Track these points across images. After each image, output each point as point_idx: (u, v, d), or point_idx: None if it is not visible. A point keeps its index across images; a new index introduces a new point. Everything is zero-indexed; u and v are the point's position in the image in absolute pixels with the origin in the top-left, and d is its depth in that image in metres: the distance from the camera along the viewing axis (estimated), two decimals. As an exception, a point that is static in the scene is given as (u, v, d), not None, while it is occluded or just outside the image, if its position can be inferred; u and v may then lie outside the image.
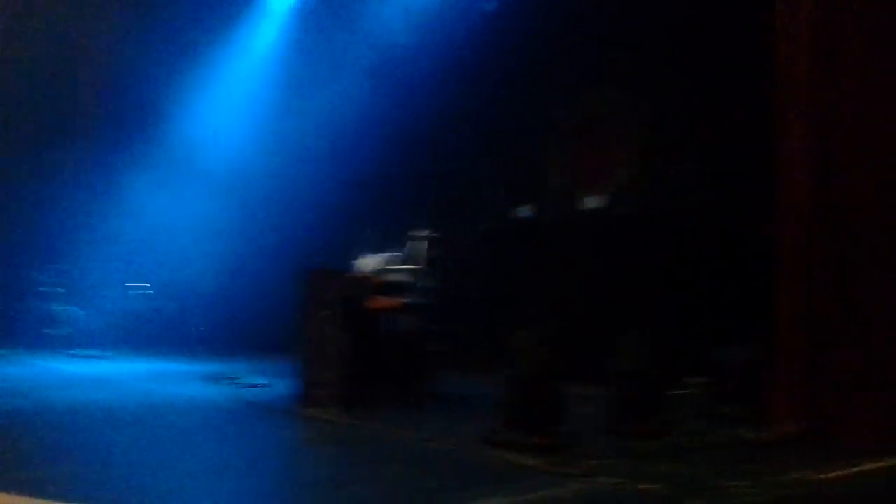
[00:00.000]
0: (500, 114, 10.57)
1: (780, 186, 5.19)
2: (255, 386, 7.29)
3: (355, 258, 8.19)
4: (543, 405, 4.44)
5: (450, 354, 7.34)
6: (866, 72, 4.83)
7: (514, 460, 4.04)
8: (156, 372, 8.89)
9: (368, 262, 8.04)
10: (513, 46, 10.43)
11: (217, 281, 12.76)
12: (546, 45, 10.22)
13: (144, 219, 12.97)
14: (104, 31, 13.87)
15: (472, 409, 6.19)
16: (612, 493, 3.52)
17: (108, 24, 13.90)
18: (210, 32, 13.39)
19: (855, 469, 3.90)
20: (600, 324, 7.52)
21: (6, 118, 13.13)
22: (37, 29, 13.30)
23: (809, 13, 5.09)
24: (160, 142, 13.21)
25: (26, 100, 13.21)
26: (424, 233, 8.71)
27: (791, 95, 5.17)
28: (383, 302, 6.49)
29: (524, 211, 9.55)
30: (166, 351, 11.48)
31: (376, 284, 6.69)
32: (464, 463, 4.14)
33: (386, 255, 8.17)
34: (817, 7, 5.06)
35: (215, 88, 13.42)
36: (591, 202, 9.07)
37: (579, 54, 10.04)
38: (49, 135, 13.59)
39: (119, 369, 9.03)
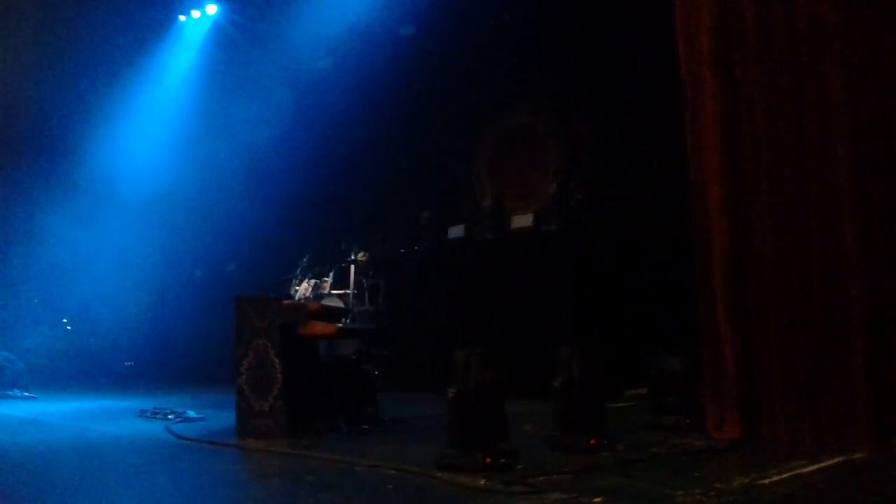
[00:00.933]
0: (427, 134, 10.69)
1: (696, 197, 5.41)
2: (190, 419, 7.09)
3: (288, 284, 8.11)
4: (487, 424, 4.46)
5: (390, 377, 7.33)
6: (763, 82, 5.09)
7: (464, 481, 4.04)
8: (85, 410, 8.54)
9: (302, 288, 7.97)
10: (436, 66, 10.57)
11: (145, 314, 12.42)
12: (471, 65, 10.40)
13: (64, 253, 12.53)
14: (19, 61, 13.45)
15: (417, 432, 6.17)
16: (562, 509, 3.57)
17: (23, 55, 13.49)
18: (127, 58, 13.10)
19: (796, 471, 4.06)
20: (539, 339, 7.63)
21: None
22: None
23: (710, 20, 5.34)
24: (78, 173, 12.83)
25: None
26: (356, 256, 8.70)
27: (700, 106, 5.40)
28: (319, 328, 6.40)
29: (455, 231, 9.62)
30: (95, 388, 11.06)
31: (311, 310, 6.60)
32: (413, 487, 4.13)
33: (319, 280, 8.12)
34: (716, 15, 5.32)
35: (134, 116, 13.11)
36: (519, 220, 9.21)
37: (504, 73, 10.26)
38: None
39: (46, 409, 8.64)
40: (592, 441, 4.77)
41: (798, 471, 4.08)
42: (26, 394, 10.18)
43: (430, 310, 9.29)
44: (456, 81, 10.49)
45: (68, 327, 12.68)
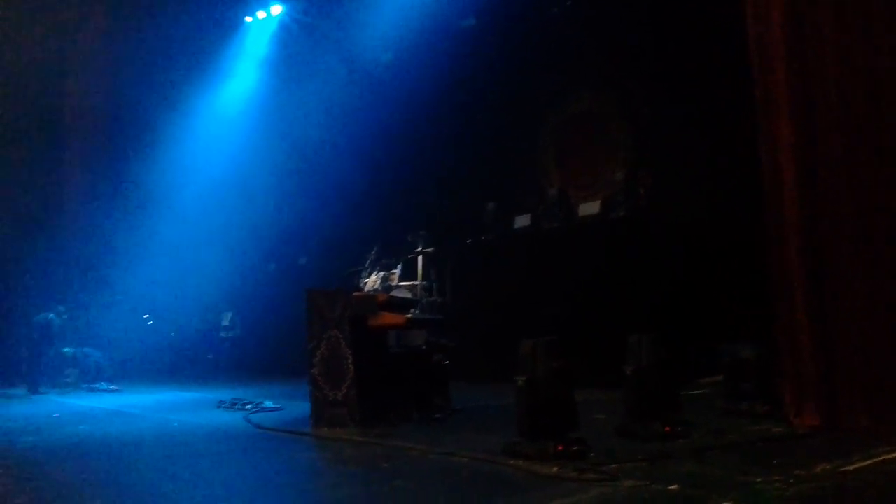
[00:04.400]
0: (491, 124, 10.67)
1: (768, 183, 5.26)
2: (267, 409, 7.30)
3: (358, 277, 8.24)
4: (557, 412, 4.46)
5: (458, 367, 7.38)
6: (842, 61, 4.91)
7: (535, 469, 4.06)
8: (167, 402, 8.89)
9: (371, 280, 8.09)
10: (499, 56, 10.55)
11: (222, 308, 12.81)
12: (533, 53, 10.34)
13: (144, 251, 13.01)
14: (93, 64, 13.98)
15: (487, 421, 6.21)
16: (636, 496, 3.54)
17: (95, 58, 14.02)
18: (195, 61, 13.48)
19: (880, 458, 3.94)
20: (608, 327, 7.56)
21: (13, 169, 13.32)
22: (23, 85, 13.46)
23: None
24: (153, 172, 13.28)
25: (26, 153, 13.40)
26: (423, 248, 8.79)
27: (771, 87, 5.24)
28: (389, 319, 6.48)
29: (521, 220, 9.61)
30: (177, 380, 11.49)
31: (380, 302, 6.69)
32: (485, 475, 4.15)
33: (387, 272, 8.23)
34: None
35: (204, 116, 13.49)
36: (586, 208, 9.14)
37: (567, 61, 10.16)
38: (50, 184, 13.71)
39: (130, 401, 9.03)
40: (667, 428, 4.72)
41: (882, 457, 3.96)
42: (111, 387, 10.65)
43: (496, 300, 9.31)
44: (519, 71, 10.45)
45: (149, 322, 13.18)
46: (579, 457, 4.21)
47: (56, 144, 14.36)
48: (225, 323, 12.72)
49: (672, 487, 3.57)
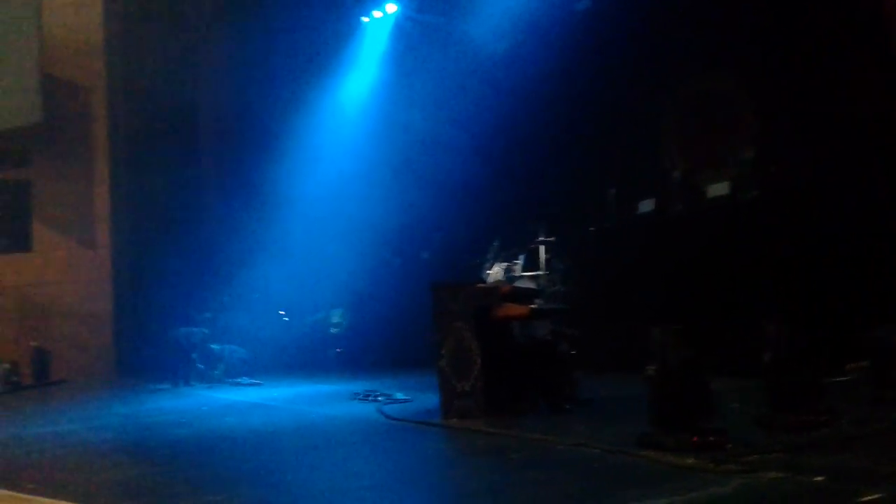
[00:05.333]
0: (610, 107, 10.45)
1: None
2: (398, 401, 7.50)
3: (481, 268, 8.32)
4: (692, 402, 4.35)
5: (583, 356, 7.31)
6: None
7: (670, 460, 3.97)
8: (304, 394, 9.28)
9: (494, 272, 8.15)
10: (616, 37, 10.31)
11: (353, 303, 13.23)
12: (653, 31, 10.04)
13: (276, 249, 13.62)
14: (213, 66, 14.71)
15: (616, 411, 6.13)
16: (778, 488, 3.41)
17: (214, 60, 14.76)
18: (314, 62, 13.94)
19: None
20: (742, 313, 7.28)
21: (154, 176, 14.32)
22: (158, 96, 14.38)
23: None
24: (283, 179, 13.83)
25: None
26: (544, 237, 8.75)
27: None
28: (513, 309, 6.51)
29: (645, 205, 9.38)
30: (311, 373, 11.98)
31: (504, 293, 6.73)
32: (618, 465, 4.11)
33: (510, 263, 8.26)
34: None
35: (326, 118, 13.94)
36: (715, 189, 8.81)
37: (688, 37, 9.81)
38: (187, 188, 14.62)
39: (270, 394, 9.49)
40: (809, 418, 4.50)
41: None
42: (252, 381, 11.23)
43: (621, 288, 9.13)
44: (637, 51, 10.17)
45: (284, 319, 13.78)
46: (716, 447, 4.09)
47: (191, 149, 15.23)
48: (336, 319, 13.14)
49: (817, 479, 3.42)
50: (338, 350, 13.07)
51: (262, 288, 13.46)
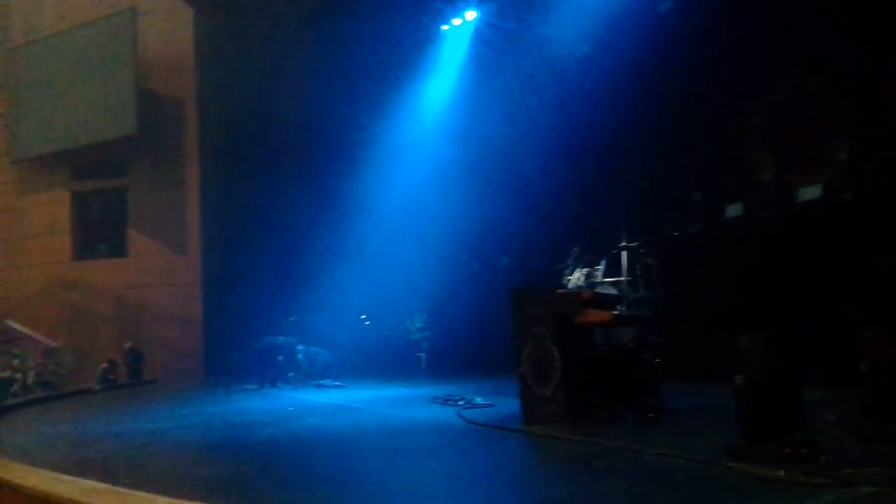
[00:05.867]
0: (695, 108, 10.20)
1: None
2: (478, 406, 7.49)
3: (561, 274, 8.23)
4: (783, 412, 4.21)
5: (668, 365, 7.15)
6: None
7: (759, 472, 3.84)
8: (385, 397, 9.40)
9: (574, 277, 8.05)
10: (700, 37, 10.07)
11: (432, 308, 13.32)
12: (740, 30, 9.76)
13: (357, 258, 13.84)
14: (297, 74, 15.08)
15: (702, 421, 5.97)
16: (874, 503, 3.26)
17: (299, 69, 15.12)
18: (393, 73, 14.12)
19: None
20: (836, 321, 6.99)
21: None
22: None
23: None
24: (363, 184, 14.06)
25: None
26: (626, 242, 8.60)
27: None
28: (594, 316, 6.41)
29: (732, 209, 9.12)
30: (392, 376, 12.12)
31: (585, 299, 6.64)
32: (705, 477, 4.00)
33: (591, 269, 8.15)
34: None
35: (405, 125, 14.09)
36: (807, 192, 8.49)
37: (777, 36, 9.50)
38: (273, 197, 15.05)
39: (354, 396, 9.64)
40: (909, 430, 4.29)
41: None
42: (336, 383, 11.44)
43: (707, 294, 8.90)
44: (723, 50, 9.90)
45: (366, 323, 13.99)
46: (808, 460, 3.94)
47: (275, 157, 15.64)
48: (418, 324, 13.21)
49: (919, 495, 3.25)
50: (419, 354, 13.18)
51: (344, 293, 13.70)
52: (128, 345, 15.19)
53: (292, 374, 12.13)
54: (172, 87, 16.68)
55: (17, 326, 16.71)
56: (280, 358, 12.09)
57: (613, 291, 7.86)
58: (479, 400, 7.71)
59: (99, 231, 17.65)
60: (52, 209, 17.65)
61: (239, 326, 13.75)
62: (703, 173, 10.02)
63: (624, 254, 8.65)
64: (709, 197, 9.46)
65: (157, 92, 16.65)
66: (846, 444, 4.33)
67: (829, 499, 3.32)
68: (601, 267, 8.36)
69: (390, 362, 13.28)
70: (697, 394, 7.19)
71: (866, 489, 3.39)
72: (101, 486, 4.19)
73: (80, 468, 4.94)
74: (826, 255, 7.70)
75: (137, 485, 4.28)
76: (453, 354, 12.69)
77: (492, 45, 13.11)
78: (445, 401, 7.96)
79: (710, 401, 6.53)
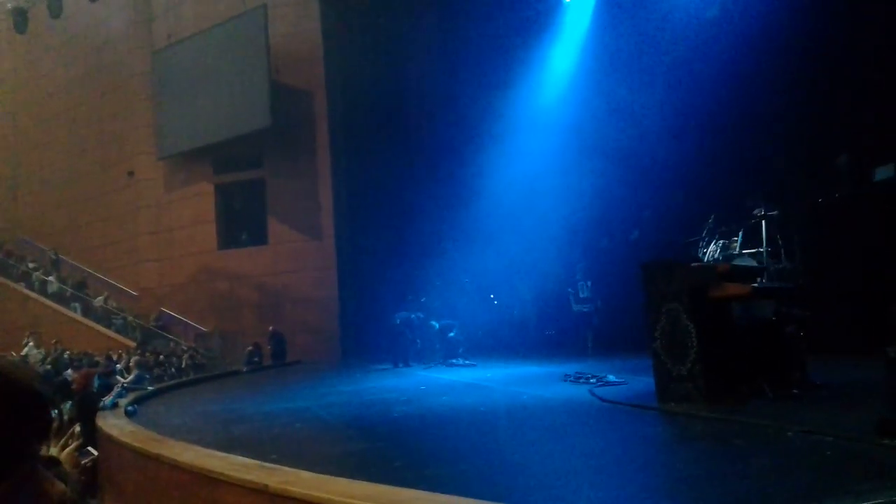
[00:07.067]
0: (838, 65, 9.53)
1: None
2: (611, 383, 7.39)
3: (695, 247, 7.94)
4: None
5: (813, 338, 6.76)
6: None
7: (915, 451, 3.59)
8: (515, 375, 9.42)
9: (710, 250, 7.75)
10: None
11: (560, 285, 13.20)
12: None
13: (485, 236, 13.91)
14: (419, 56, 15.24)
15: (850, 397, 5.63)
16: None
17: (420, 51, 15.28)
18: (516, 48, 14.01)
19: None
20: None
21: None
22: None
23: None
24: (489, 164, 14.08)
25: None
26: (765, 211, 8.18)
27: None
28: (731, 289, 6.14)
29: (883, 171, 8.48)
30: (521, 355, 12.13)
31: (721, 271, 6.37)
32: (854, 455, 3.77)
33: (727, 240, 7.81)
34: None
35: (529, 102, 13.96)
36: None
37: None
38: (398, 179, 15.39)
39: (485, 375, 9.74)
40: None
41: None
42: (467, 361, 11.58)
43: (855, 263, 8.34)
44: (866, 3, 9.19)
45: (495, 302, 14.06)
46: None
47: (401, 142, 15.93)
48: (584, 294, 12.88)
49: None
50: (549, 332, 13.12)
51: (474, 272, 13.81)
52: (270, 328, 15.97)
53: (422, 348, 12.35)
54: (302, 79, 17.28)
55: (171, 313, 17.96)
56: (412, 336, 12.35)
57: (752, 263, 7.51)
58: (611, 378, 7.60)
59: (241, 221, 18.60)
60: (197, 202, 18.73)
61: (372, 308, 14.18)
62: (849, 134, 9.36)
63: (763, 223, 8.25)
64: (855, 159, 8.83)
65: (288, 84, 17.29)
66: None
67: None
68: (738, 238, 8.00)
69: (520, 340, 13.25)
70: (846, 369, 6.78)
71: None
72: (250, 461, 4.43)
73: (230, 444, 5.25)
74: None
75: (282, 460, 4.49)
76: (583, 331, 12.53)
77: (614, 14, 12.76)
78: (577, 379, 7.89)
79: (859, 376, 6.14)
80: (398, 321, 12.32)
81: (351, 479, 3.79)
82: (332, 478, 3.85)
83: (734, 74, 10.33)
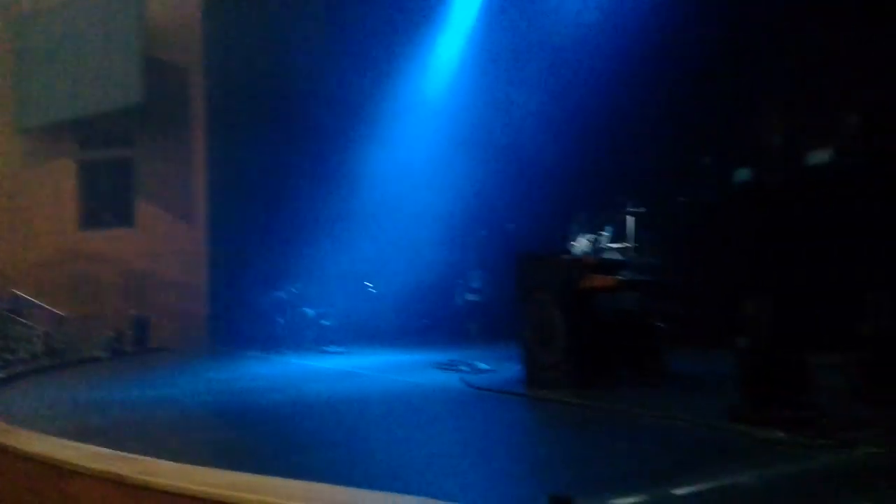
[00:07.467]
0: (704, 73, 10.05)
1: None
2: (482, 371, 7.51)
3: (566, 240, 8.19)
4: (785, 376, 4.19)
5: (676, 331, 7.12)
6: None
7: (761, 435, 3.84)
8: (389, 363, 9.42)
9: (580, 243, 8.01)
10: (713, 2, 9.91)
11: (435, 275, 13.29)
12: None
13: (361, 223, 13.83)
14: (308, 60, 14.96)
15: (706, 386, 5.98)
16: (871, 464, 3.26)
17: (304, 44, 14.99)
18: (400, 41, 13.98)
19: None
20: (844, 285, 6.93)
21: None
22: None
23: None
24: (369, 152, 13.98)
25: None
26: (632, 209, 8.53)
27: None
28: (599, 281, 6.39)
29: (741, 174, 9.02)
30: (396, 343, 12.15)
31: (590, 264, 6.61)
32: (707, 439, 4.01)
33: (596, 235, 8.10)
34: None
35: (411, 93, 13.98)
36: (817, 156, 8.38)
37: (788, 3, 9.34)
38: (276, 163, 15.02)
39: (357, 363, 9.67)
40: (912, 393, 4.27)
41: None
42: (339, 349, 11.47)
43: (714, 260, 8.84)
44: (735, 13, 9.74)
45: (371, 289, 13.99)
46: (809, 422, 3.93)
47: (281, 126, 15.54)
48: (475, 285, 12.93)
49: (919, 456, 3.24)
50: (424, 320, 13.19)
51: (350, 260, 13.69)
52: (134, 313, 15.27)
53: (292, 335, 12.14)
54: (179, 55, 16.53)
55: (24, 296, 16.82)
56: (282, 320, 12.12)
57: (619, 257, 7.83)
58: (482, 365, 7.72)
59: (106, 201, 17.64)
60: (59, 179, 17.62)
61: (244, 294, 13.79)
62: (712, 138, 9.92)
63: (630, 219, 8.61)
64: (717, 162, 9.36)
65: (163, 60, 16.51)
66: (848, 408, 4.32)
67: (827, 460, 3.32)
68: (607, 233, 8.32)
69: (395, 328, 13.27)
70: (703, 359, 7.18)
71: (864, 451, 3.39)
72: (106, 451, 4.21)
73: (87, 434, 4.97)
74: (833, 220, 7.62)
75: (143, 450, 4.30)
76: (457, 321, 12.67)
77: (500, 10, 12.95)
78: (449, 366, 7.97)
79: (714, 366, 6.51)
80: (266, 301, 12.05)
81: (214, 469, 3.67)
82: (194, 467, 3.73)
83: (610, 76, 10.71)
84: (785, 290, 6.07)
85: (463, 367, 7.72)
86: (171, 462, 3.87)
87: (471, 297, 12.11)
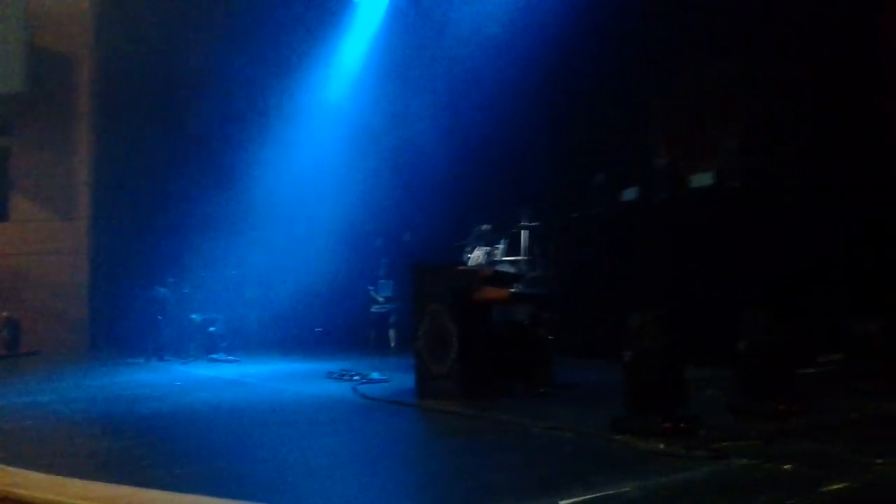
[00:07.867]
0: (599, 95, 10.41)
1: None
2: (374, 381, 7.47)
3: (462, 251, 8.28)
4: (666, 388, 4.35)
5: (563, 342, 7.30)
6: None
7: (642, 445, 3.98)
8: (280, 372, 9.24)
9: (475, 255, 8.11)
10: (607, 24, 10.27)
11: (331, 283, 13.16)
12: (641, 21, 10.00)
13: (255, 230, 13.53)
14: (200, 58, 14.53)
15: (592, 396, 6.13)
16: (747, 475, 3.42)
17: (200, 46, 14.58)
18: (303, 43, 13.81)
19: None
20: (722, 302, 7.29)
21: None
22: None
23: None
24: (264, 157, 13.72)
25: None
26: (526, 222, 8.72)
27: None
28: (492, 293, 6.48)
29: (629, 193, 9.36)
30: (288, 352, 11.93)
31: (484, 276, 6.70)
32: (590, 450, 4.11)
33: (491, 247, 8.23)
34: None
35: (308, 99, 13.83)
36: (699, 179, 8.79)
37: (676, 28, 9.78)
38: (164, 167, 14.48)
39: (246, 371, 9.44)
40: (782, 406, 4.52)
41: None
42: (229, 357, 11.16)
43: (603, 274, 9.12)
44: (626, 39, 10.14)
45: (263, 296, 13.71)
46: (688, 433, 4.10)
47: (171, 123, 15.00)
48: (386, 293, 12.75)
49: (786, 467, 3.43)
50: (317, 329, 13.03)
51: (241, 266, 13.37)
52: (5, 314, 14.37)
53: (178, 343, 11.74)
54: (66, 43, 15.72)
55: None
56: (163, 319, 11.66)
57: (512, 270, 7.97)
58: (374, 375, 7.69)
59: (-23, 193, 16.57)
60: (-76, 168, 16.44)
61: (128, 297, 13.20)
62: (605, 157, 10.25)
63: (524, 233, 8.79)
64: (608, 180, 9.67)
65: (49, 47, 15.68)
66: (724, 420, 4.52)
67: (705, 470, 3.45)
68: (501, 246, 8.47)
69: (287, 337, 13.05)
70: (590, 370, 7.37)
71: (739, 461, 3.55)
72: (-34, 461, 3.94)
73: (-55, 442, 4.64)
74: (713, 240, 8.01)
75: (9, 460, 4.06)
76: (353, 330, 12.58)
77: (403, 21, 12.99)
78: (341, 376, 7.90)
79: (601, 377, 6.70)
80: (146, 298, 11.55)
81: (89, 481, 3.50)
82: (68, 479, 3.54)
83: (509, 90, 10.94)
84: (667, 305, 6.31)
85: (355, 377, 7.67)
86: (44, 473, 3.67)
87: (375, 307, 12.07)
